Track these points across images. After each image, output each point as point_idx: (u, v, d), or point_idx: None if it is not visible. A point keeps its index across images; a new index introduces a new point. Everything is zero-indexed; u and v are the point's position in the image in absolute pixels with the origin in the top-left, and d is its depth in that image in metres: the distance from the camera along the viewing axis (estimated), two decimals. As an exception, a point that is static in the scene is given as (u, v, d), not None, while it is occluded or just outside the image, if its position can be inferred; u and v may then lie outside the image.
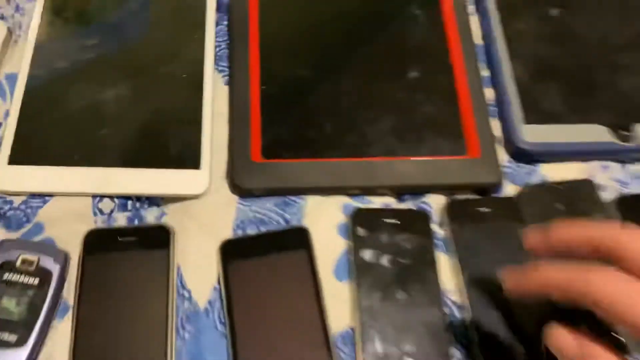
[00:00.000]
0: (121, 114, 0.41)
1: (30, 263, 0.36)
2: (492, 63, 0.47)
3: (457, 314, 0.38)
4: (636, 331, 0.26)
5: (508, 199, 0.42)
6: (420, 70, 0.45)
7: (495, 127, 0.45)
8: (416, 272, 0.38)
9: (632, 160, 0.45)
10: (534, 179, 0.43)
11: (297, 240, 0.38)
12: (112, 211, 0.39)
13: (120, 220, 0.39)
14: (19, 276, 0.35)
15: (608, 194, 0.43)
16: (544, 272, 0.30)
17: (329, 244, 0.39)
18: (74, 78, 0.42)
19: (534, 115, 0.44)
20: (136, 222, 0.39)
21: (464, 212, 0.41)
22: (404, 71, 0.45)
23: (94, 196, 0.39)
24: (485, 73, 0.47)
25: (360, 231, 0.39)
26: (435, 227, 0.41)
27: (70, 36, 0.44)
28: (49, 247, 0.37)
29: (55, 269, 0.36)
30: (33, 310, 0.34)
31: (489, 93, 0.46)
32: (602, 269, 0.27)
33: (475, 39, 0.47)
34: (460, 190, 0.42)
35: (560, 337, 0.29)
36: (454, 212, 0.41)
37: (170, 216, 0.39)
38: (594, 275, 0.27)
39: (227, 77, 0.45)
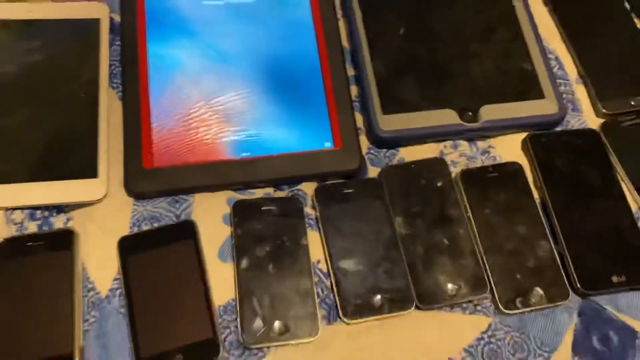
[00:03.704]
0: (25, 134, 0.47)
1: (-48, 271, 0.42)
2: (356, 64, 0.53)
3: (324, 280, 0.45)
4: None
5: (370, 180, 0.50)
6: (291, 71, 0.52)
7: (359, 119, 0.52)
8: (289, 249, 0.46)
9: (479, 138, 0.53)
10: (395, 162, 0.51)
11: (185, 232, 0.45)
12: (23, 221, 0.45)
13: (32, 228, 0.45)
14: (-58, 283, 0.41)
15: (458, 168, 0.50)
16: None
17: (215, 232, 0.46)
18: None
19: (391, 106, 0.51)
20: (45, 228, 0.45)
21: (329, 195, 0.48)
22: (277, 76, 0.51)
23: (7, 209, 0.45)
24: (352, 72, 0.54)
25: (240, 218, 0.46)
26: (309, 210, 0.48)
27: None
28: (-32, 257, 0.43)
29: (-26, 274, 0.42)
30: (-44, 311, 0.41)
31: (356, 91, 0.53)
32: None
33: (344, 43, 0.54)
34: (330, 177, 0.49)
35: None
36: (320, 195, 0.48)
37: (75, 220, 0.46)
38: None
39: (120, 94, 0.51)
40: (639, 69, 0.56)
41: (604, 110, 0.54)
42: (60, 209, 0.46)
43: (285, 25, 0.54)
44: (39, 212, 0.46)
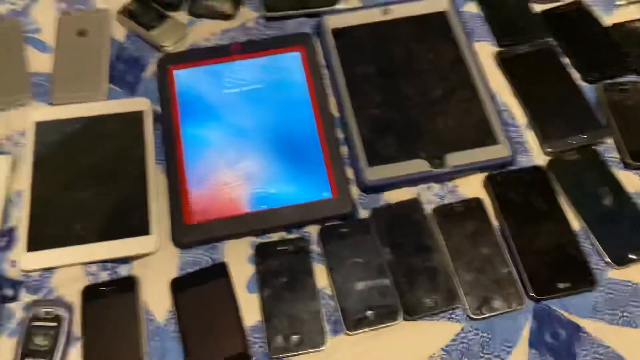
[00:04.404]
0: (93, 204, 0.62)
1: (49, 313, 0.56)
2: (345, 128, 0.67)
3: (329, 302, 0.58)
4: None
5: (361, 221, 0.63)
6: (294, 138, 0.66)
7: (350, 172, 0.65)
8: (300, 279, 0.59)
9: (446, 180, 0.65)
10: (380, 204, 0.64)
11: (219, 271, 0.59)
12: (97, 272, 0.59)
13: (104, 276, 0.59)
14: (43, 323, 0.55)
15: (432, 205, 0.63)
16: None
17: (242, 270, 0.59)
18: (63, 185, 0.63)
19: (375, 160, 0.65)
20: (114, 275, 0.59)
21: (330, 234, 0.61)
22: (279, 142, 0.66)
23: (84, 264, 0.60)
24: (341, 135, 0.67)
25: (261, 258, 0.60)
26: (314, 247, 0.61)
27: (54, 159, 0.65)
28: (60, 302, 0.57)
29: (66, 315, 0.56)
30: (55, 342, 0.54)
31: (346, 150, 0.67)
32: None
33: (334, 112, 0.68)
34: (329, 220, 0.62)
35: None
36: (323, 235, 0.61)
37: (136, 268, 0.60)
38: None
39: (163, 166, 0.65)
40: (575, 113, 0.68)
41: (548, 150, 0.66)
42: (124, 260, 0.60)
43: (288, 103, 0.68)
44: (108, 264, 0.60)
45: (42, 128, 0.66)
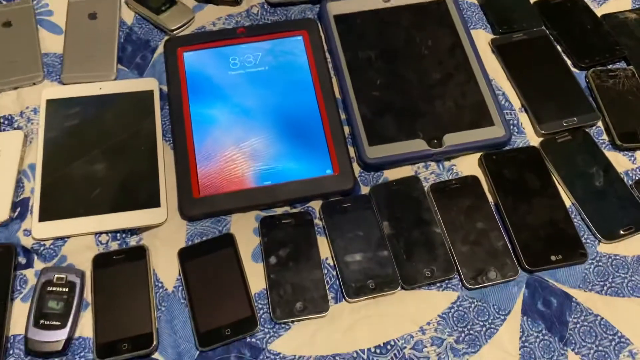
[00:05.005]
0: (106, 177, 0.64)
1: (62, 279, 0.58)
2: (347, 109, 0.70)
3: (331, 271, 0.60)
4: None
5: (362, 196, 0.65)
6: (298, 118, 0.68)
7: (352, 150, 0.68)
8: (304, 250, 0.61)
9: (444, 159, 0.68)
10: (380, 181, 0.66)
11: (226, 242, 0.61)
12: (108, 241, 0.62)
13: (114, 246, 0.61)
14: (56, 288, 0.57)
15: (429, 183, 0.66)
16: None
17: (248, 241, 0.62)
18: (73, 160, 0.65)
19: (375, 139, 0.67)
20: (123, 246, 0.61)
21: (332, 209, 0.64)
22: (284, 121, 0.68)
23: (96, 234, 0.62)
24: (343, 116, 0.70)
25: (266, 230, 0.62)
26: (317, 221, 0.63)
27: (65, 135, 0.67)
28: (71, 269, 0.59)
29: (77, 281, 0.58)
30: (67, 306, 0.56)
31: (347, 129, 0.69)
32: None
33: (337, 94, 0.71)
34: (331, 195, 0.65)
35: None
36: (325, 209, 0.64)
37: (145, 239, 0.62)
38: None
39: (171, 144, 0.67)
40: (568, 97, 0.71)
41: (542, 131, 0.69)
42: (134, 231, 0.62)
43: (292, 85, 0.71)
44: (118, 234, 0.62)
45: (53, 105, 0.69)
